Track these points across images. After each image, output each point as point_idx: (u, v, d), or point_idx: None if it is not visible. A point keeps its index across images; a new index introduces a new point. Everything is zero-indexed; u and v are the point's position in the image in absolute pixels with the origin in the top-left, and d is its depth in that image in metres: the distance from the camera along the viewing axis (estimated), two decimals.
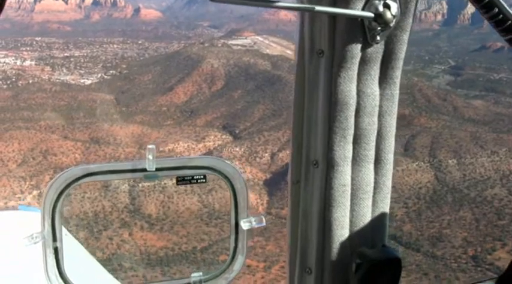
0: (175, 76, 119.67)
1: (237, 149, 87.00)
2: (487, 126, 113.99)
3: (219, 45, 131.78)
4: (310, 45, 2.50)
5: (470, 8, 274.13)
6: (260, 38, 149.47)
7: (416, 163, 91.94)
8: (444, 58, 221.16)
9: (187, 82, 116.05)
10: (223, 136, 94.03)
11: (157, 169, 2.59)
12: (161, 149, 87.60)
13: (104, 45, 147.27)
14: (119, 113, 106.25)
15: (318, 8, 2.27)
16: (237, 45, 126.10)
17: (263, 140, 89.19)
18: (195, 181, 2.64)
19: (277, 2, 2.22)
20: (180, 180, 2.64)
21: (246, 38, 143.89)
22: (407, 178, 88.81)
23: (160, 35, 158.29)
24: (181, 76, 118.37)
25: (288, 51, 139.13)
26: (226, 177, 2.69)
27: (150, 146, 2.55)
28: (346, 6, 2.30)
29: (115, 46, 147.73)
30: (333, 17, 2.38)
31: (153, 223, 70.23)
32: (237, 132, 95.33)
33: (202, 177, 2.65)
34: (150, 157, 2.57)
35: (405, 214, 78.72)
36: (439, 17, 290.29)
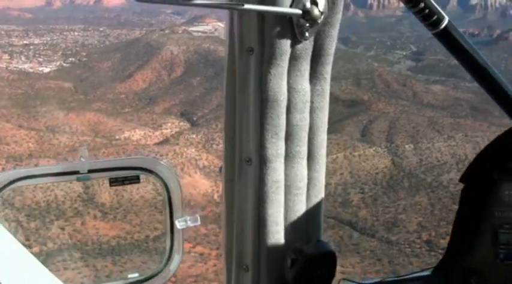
0: (134, 63, 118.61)
1: (194, 136, 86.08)
2: (445, 111, 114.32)
3: (180, 31, 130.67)
4: (240, 43, 2.48)
5: None
6: (221, 25, 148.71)
7: (373, 148, 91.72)
8: (406, 43, 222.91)
9: (146, 70, 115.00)
10: (181, 124, 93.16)
11: (90, 171, 2.64)
12: (117, 137, 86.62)
13: (65, 33, 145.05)
14: (76, 101, 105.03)
15: (247, 5, 2.28)
16: (198, 31, 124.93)
17: (220, 127, 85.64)
18: (128, 182, 2.73)
19: (207, 0, 2.32)
20: (113, 181, 2.71)
21: (207, 25, 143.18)
22: (364, 163, 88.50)
23: (122, 22, 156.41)
24: (140, 64, 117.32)
25: None
26: (159, 177, 2.77)
27: (82, 148, 2.60)
28: (274, 4, 2.32)
29: (76, 33, 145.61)
30: (262, 14, 2.38)
31: (106, 212, 69.34)
32: (194, 119, 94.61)
33: (135, 177, 2.74)
34: (83, 159, 2.59)
35: (361, 200, 78.38)
36: (402, 3, 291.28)
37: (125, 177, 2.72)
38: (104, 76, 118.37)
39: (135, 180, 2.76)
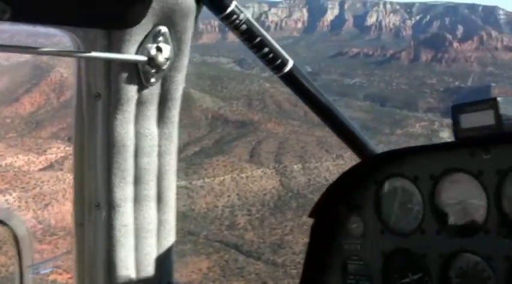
0: (22, 86, 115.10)
1: None
2: None
3: None
4: (87, 88, 2.49)
5: (330, 16, 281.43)
6: None
7: (262, 169, 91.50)
8: (301, 65, 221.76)
9: (34, 93, 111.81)
10: (67, 148, 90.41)
11: None
12: None
13: None
14: None
15: (93, 53, 2.34)
16: None
17: None
18: None
19: (53, 48, 2.27)
20: None
21: None
22: (252, 185, 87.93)
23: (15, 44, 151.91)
24: (29, 87, 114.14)
25: None
26: (7, 225, 2.67)
27: None
28: (120, 51, 2.36)
29: None
30: (108, 60, 2.42)
31: None
32: None
33: None
34: None
35: (248, 222, 77.81)
36: (300, 25, 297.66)
37: None
38: None
39: None
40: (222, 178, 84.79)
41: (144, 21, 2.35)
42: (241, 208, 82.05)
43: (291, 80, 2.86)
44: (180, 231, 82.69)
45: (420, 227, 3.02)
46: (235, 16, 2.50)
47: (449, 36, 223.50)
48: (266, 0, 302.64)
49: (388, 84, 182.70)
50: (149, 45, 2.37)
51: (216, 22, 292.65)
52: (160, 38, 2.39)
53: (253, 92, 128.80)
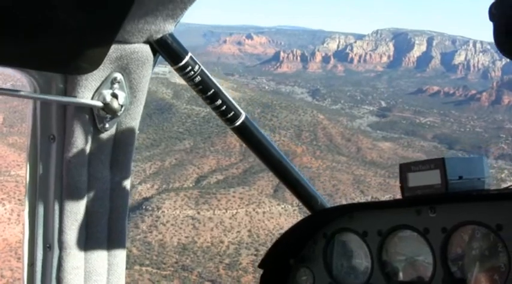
0: None
1: None
2: (383, 170, 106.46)
3: None
4: (42, 130, 2.49)
5: (416, 52, 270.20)
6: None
7: (283, 205, 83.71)
8: (376, 99, 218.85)
9: None
10: None
11: None
12: (12, 173, 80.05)
13: None
14: None
15: (49, 96, 2.36)
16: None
17: None
18: None
19: (11, 90, 2.27)
20: None
21: (165, 66, 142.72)
22: (268, 222, 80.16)
23: None
24: None
25: None
26: None
27: None
28: (76, 95, 2.37)
29: None
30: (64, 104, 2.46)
31: None
32: None
33: None
34: None
35: (251, 263, 70.24)
36: (385, 59, 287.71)
37: None
38: None
39: None
40: (234, 211, 77.68)
41: (101, 67, 2.31)
42: (249, 246, 74.60)
43: (243, 133, 2.83)
44: (174, 265, 75.97)
45: (368, 283, 3.07)
46: (189, 67, 2.48)
47: None
48: (353, 33, 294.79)
49: (462, 126, 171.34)
50: (105, 91, 2.35)
51: (298, 51, 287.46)
52: (116, 85, 2.38)
53: (304, 123, 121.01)
